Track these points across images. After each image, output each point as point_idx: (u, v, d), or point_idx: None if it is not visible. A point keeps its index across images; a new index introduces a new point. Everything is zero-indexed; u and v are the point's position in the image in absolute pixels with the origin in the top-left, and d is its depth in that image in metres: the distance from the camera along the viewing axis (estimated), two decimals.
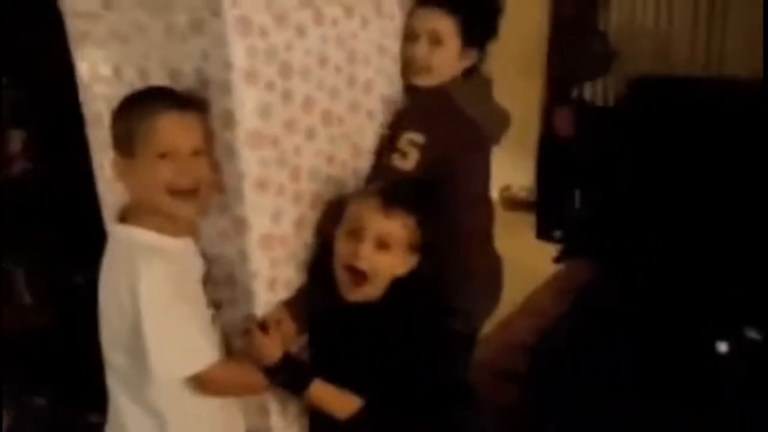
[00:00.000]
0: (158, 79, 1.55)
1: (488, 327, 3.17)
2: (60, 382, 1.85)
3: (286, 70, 1.51)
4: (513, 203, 5.08)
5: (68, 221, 2.19)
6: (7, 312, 2.54)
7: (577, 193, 4.39)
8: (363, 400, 1.52)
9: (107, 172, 1.72)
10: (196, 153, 1.43)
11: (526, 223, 4.72)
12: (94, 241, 1.73)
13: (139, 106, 1.42)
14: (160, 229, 1.46)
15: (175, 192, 1.42)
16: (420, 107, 1.80)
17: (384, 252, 1.51)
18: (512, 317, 3.46)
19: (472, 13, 1.81)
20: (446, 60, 1.81)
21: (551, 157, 4.57)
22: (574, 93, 4.58)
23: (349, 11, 1.65)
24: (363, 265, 1.50)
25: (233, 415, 1.63)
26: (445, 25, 1.79)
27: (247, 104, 1.44)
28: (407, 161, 1.70)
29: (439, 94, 1.81)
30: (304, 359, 1.64)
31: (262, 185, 1.50)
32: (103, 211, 1.83)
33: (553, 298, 3.71)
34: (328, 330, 1.62)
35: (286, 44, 1.50)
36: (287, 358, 1.53)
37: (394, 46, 1.81)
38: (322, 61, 1.60)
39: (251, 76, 1.43)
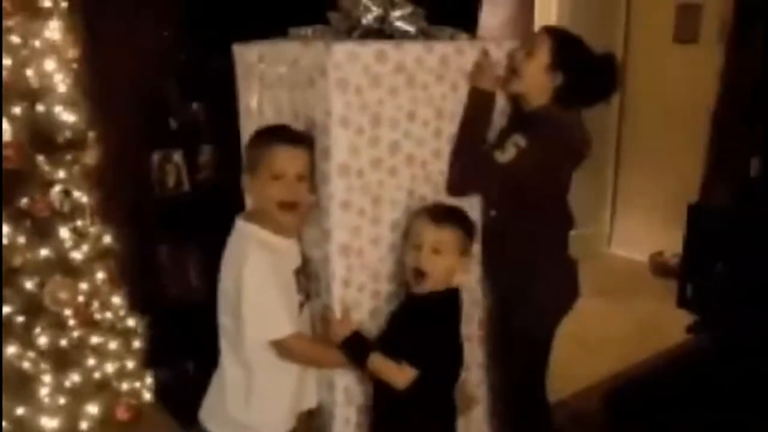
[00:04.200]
0: (286, 118, 2.05)
1: (598, 377, 3.39)
2: (207, 351, 2.22)
3: (376, 120, 1.94)
4: (663, 269, 5.08)
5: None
6: (178, 289, 3.19)
7: (720, 267, 4.37)
8: (417, 372, 1.89)
9: None
10: (299, 178, 1.89)
11: (672, 290, 4.73)
12: None
13: (264, 139, 1.91)
14: (271, 230, 1.92)
15: (281, 205, 1.88)
16: (532, 118, 2.19)
17: (438, 255, 1.94)
18: (628, 370, 3.62)
19: (562, 40, 2.19)
20: (534, 70, 2.17)
21: (701, 227, 4.57)
22: (735, 166, 4.57)
23: (440, 78, 2.06)
24: (424, 266, 1.94)
25: (307, 380, 2.06)
26: (540, 40, 2.18)
27: (339, 143, 1.89)
28: (504, 156, 2.09)
29: (549, 112, 2.19)
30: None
31: (345, 206, 1.94)
32: None
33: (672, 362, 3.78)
34: (396, 316, 2.06)
35: (378, 100, 1.93)
36: (354, 335, 1.97)
37: None
38: (411, 116, 2.02)
39: (345, 122, 1.89)
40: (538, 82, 2.17)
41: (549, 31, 2.22)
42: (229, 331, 1.95)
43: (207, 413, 2.03)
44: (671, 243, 4.87)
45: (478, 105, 2.14)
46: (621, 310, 4.43)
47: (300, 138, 1.92)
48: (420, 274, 1.95)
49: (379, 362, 1.92)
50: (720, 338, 3.74)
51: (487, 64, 2.15)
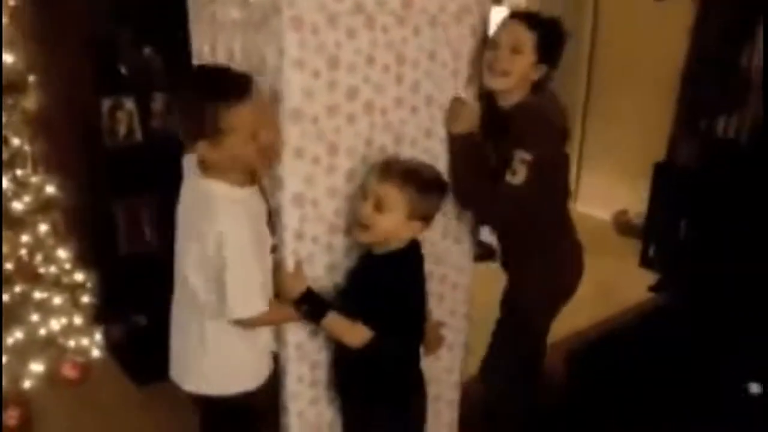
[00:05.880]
0: (238, 60, 1.92)
1: (561, 334, 3.37)
2: (158, 306, 2.13)
3: (333, 63, 1.83)
4: (627, 228, 5.09)
5: None
6: (131, 241, 3.06)
7: (684, 225, 4.37)
8: (373, 332, 1.84)
9: None
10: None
11: (635, 249, 4.73)
12: None
13: (227, 95, 1.67)
14: (232, 182, 1.78)
15: (262, 155, 1.77)
16: (523, 127, 2.09)
17: (380, 213, 1.84)
18: (591, 328, 3.66)
19: (547, 34, 2.13)
20: (523, 67, 2.10)
21: (666, 186, 4.55)
22: (704, 125, 4.54)
23: (401, 20, 1.94)
24: (363, 219, 1.86)
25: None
26: (526, 37, 2.09)
27: (292, 86, 1.78)
28: (517, 177, 2.03)
29: (533, 111, 2.12)
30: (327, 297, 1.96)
31: (299, 153, 1.84)
32: None
33: (633, 320, 3.79)
34: (354, 274, 1.99)
35: (335, 42, 1.82)
36: (309, 293, 1.88)
37: (444, 53, 2.07)
38: (370, 60, 1.90)
39: (299, 64, 1.77)
40: (525, 77, 2.12)
41: (529, 23, 2.11)
42: (199, 290, 1.82)
43: (180, 372, 1.95)
44: (636, 202, 4.86)
45: (464, 151, 2.10)
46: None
47: (249, 86, 1.72)
48: (363, 225, 1.87)
49: (333, 322, 1.86)
50: (681, 298, 3.73)
51: (460, 106, 2.09)
